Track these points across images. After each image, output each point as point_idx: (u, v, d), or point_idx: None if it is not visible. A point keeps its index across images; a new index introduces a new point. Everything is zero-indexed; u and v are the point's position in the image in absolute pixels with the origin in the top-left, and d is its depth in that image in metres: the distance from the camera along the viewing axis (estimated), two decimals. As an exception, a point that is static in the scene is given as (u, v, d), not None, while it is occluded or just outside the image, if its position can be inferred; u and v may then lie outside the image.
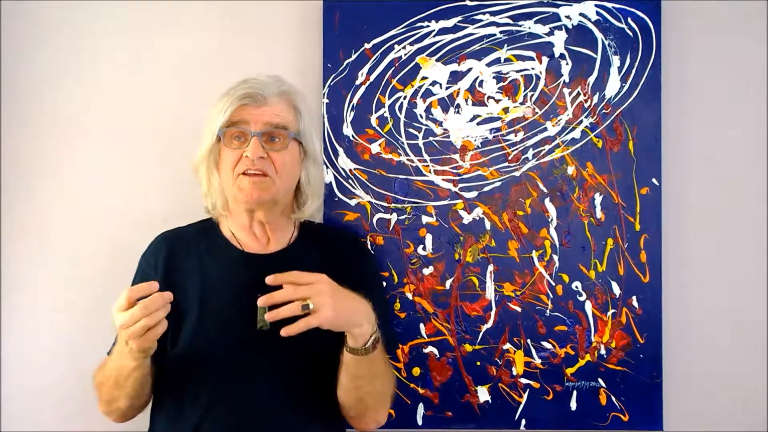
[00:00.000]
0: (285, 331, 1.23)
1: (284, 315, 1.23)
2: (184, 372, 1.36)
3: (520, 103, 1.64)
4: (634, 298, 1.62)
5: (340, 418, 1.44)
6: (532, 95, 1.64)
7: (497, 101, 1.64)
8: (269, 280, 1.27)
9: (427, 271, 1.63)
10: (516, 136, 1.64)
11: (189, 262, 1.43)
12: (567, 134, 1.64)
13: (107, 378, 1.35)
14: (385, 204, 1.64)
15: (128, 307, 1.21)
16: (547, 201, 1.64)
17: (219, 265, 1.43)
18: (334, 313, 1.24)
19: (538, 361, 1.63)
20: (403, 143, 1.64)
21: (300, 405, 1.38)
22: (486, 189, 1.64)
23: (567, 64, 1.63)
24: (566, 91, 1.64)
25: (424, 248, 1.63)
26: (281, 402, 1.37)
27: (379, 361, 1.36)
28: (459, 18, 1.64)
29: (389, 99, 1.64)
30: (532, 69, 1.64)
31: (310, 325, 1.23)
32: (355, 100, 1.64)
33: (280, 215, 1.46)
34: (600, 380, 1.62)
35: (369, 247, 1.63)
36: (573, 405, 1.62)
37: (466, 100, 1.64)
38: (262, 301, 1.25)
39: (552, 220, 1.63)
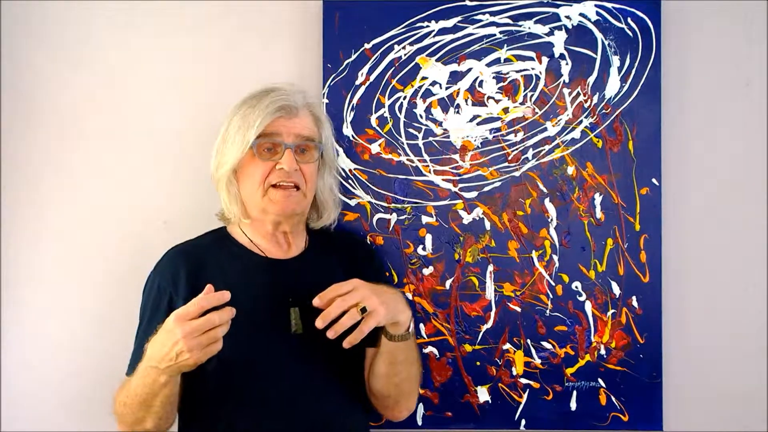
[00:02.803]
0: (347, 343, 1.29)
1: (346, 326, 1.28)
2: (222, 382, 1.33)
3: (520, 103, 1.64)
4: (634, 298, 1.62)
5: (371, 407, 1.51)
6: (532, 95, 1.64)
7: (497, 101, 1.64)
8: (317, 302, 1.30)
9: (427, 271, 1.63)
10: (516, 136, 1.64)
11: (211, 274, 1.40)
12: (567, 134, 1.64)
13: (132, 398, 1.30)
14: (385, 204, 1.64)
15: (196, 317, 1.18)
16: (547, 201, 1.64)
17: (244, 273, 1.42)
18: (386, 309, 1.32)
19: (538, 361, 1.63)
20: (403, 143, 1.64)
21: (339, 400, 1.43)
22: (486, 189, 1.64)
23: (567, 64, 1.63)
24: (566, 91, 1.64)
25: (424, 248, 1.63)
26: (322, 399, 1.40)
27: (414, 345, 1.45)
28: (459, 18, 1.64)
29: (389, 99, 1.64)
30: (532, 69, 1.64)
31: (369, 329, 1.29)
32: (355, 100, 1.64)
33: (300, 223, 1.50)
34: (600, 380, 1.62)
35: (372, 246, 1.63)
36: (573, 405, 1.62)
37: (466, 100, 1.64)
38: (320, 323, 1.28)
39: (552, 220, 1.63)
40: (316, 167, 1.47)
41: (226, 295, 1.20)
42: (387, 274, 1.62)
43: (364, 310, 1.29)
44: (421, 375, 1.51)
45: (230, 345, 1.25)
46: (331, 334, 1.28)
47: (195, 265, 1.41)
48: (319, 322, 1.28)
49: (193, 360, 1.19)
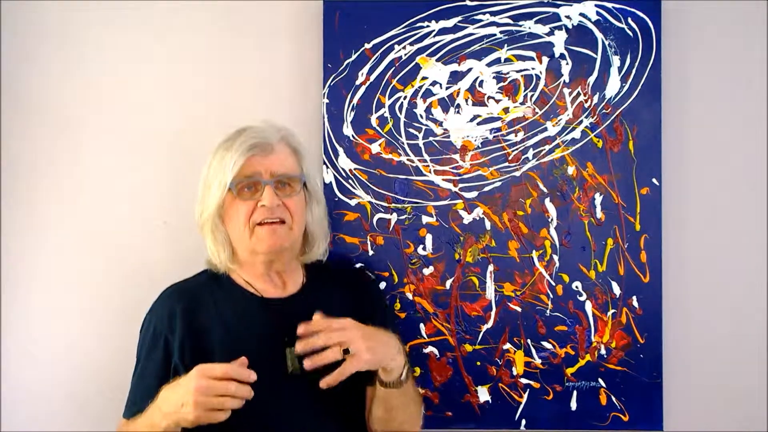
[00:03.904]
0: (324, 383, 1.26)
1: (326, 361, 1.26)
2: (219, 426, 1.28)
3: (520, 103, 1.64)
4: (634, 298, 1.62)
5: None
6: (532, 95, 1.64)
7: (497, 101, 1.64)
8: (301, 330, 1.28)
9: (427, 271, 1.63)
10: (516, 136, 1.64)
11: (206, 315, 1.40)
12: (567, 134, 1.64)
13: None
14: (385, 204, 1.64)
15: (218, 378, 1.20)
16: (547, 201, 1.64)
17: (240, 314, 1.41)
18: (371, 355, 1.28)
19: (538, 361, 1.63)
20: (403, 143, 1.64)
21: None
22: (486, 189, 1.64)
23: (567, 64, 1.63)
24: (566, 91, 1.64)
25: (424, 248, 1.63)
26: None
27: (411, 389, 1.41)
28: (459, 18, 1.64)
29: (389, 99, 1.64)
30: (532, 69, 1.64)
31: (349, 372, 1.27)
32: (355, 100, 1.64)
33: (293, 260, 1.48)
34: (600, 380, 1.62)
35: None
36: (573, 405, 1.62)
37: (466, 100, 1.64)
38: (300, 347, 1.28)
39: (552, 220, 1.63)
40: (302, 200, 1.44)
41: (253, 376, 1.21)
42: (385, 274, 1.62)
43: (347, 351, 1.26)
44: (421, 414, 1.49)
45: None
46: (307, 364, 1.27)
47: (191, 303, 1.41)
48: (298, 346, 1.27)
49: (193, 416, 1.20)
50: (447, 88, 1.64)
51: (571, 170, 1.64)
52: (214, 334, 1.38)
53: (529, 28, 1.64)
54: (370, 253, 1.63)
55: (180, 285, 1.47)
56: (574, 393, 1.63)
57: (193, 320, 1.39)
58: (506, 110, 1.64)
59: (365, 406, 1.44)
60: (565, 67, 1.63)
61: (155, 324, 1.41)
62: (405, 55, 1.64)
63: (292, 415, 1.36)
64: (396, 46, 1.64)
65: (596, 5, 1.63)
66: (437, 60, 1.64)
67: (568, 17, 1.63)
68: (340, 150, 1.64)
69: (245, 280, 1.45)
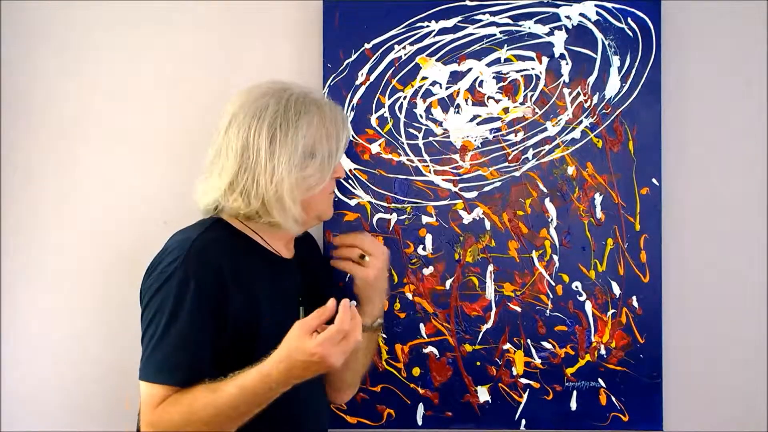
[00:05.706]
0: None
1: (346, 255, 1.52)
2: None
3: (520, 103, 1.64)
4: (634, 298, 1.62)
5: None
6: (532, 95, 1.64)
7: (497, 101, 1.64)
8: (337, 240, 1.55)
9: (427, 271, 1.63)
10: (516, 136, 1.64)
11: (245, 270, 1.32)
12: (567, 134, 1.64)
13: (228, 411, 1.21)
14: (385, 204, 1.64)
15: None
16: (547, 201, 1.64)
17: (271, 274, 1.39)
18: (379, 274, 1.49)
19: (538, 361, 1.63)
20: (403, 143, 1.64)
21: (323, 392, 1.52)
22: (486, 189, 1.64)
23: (567, 64, 1.63)
24: (566, 91, 1.64)
25: (424, 248, 1.63)
26: (318, 393, 1.47)
27: (375, 343, 1.57)
28: (459, 18, 1.64)
29: (389, 99, 1.64)
30: (532, 69, 1.64)
31: (351, 272, 1.51)
32: (355, 100, 1.64)
33: None
34: (600, 380, 1.62)
35: None
36: (573, 405, 1.62)
37: (466, 100, 1.64)
38: (338, 240, 1.55)
39: (552, 220, 1.63)
40: None
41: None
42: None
43: (363, 257, 1.49)
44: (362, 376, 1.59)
45: (269, 342, 1.23)
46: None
47: (231, 260, 1.31)
48: (336, 240, 1.55)
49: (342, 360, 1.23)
50: (447, 88, 1.64)
51: (571, 170, 1.64)
52: (256, 288, 1.33)
53: (529, 28, 1.64)
54: (370, 253, 1.63)
55: (205, 237, 1.32)
56: (574, 393, 1.63)
57: (236, 274, 1.30)
58: (506, 110, 1.64)
59: None
60: (565, 67, 1.63)
61: (198, 280, 1.25)
62: (405, 55, 1.64)
63: None
64: (396, 46, 1.64)
65: (596, 5, 1.63)
66: (437, 60, 1.64)
67: (568, 17, 1.63)
68: (340, 150, 1.64)
69: (265, 240, 1.41)
